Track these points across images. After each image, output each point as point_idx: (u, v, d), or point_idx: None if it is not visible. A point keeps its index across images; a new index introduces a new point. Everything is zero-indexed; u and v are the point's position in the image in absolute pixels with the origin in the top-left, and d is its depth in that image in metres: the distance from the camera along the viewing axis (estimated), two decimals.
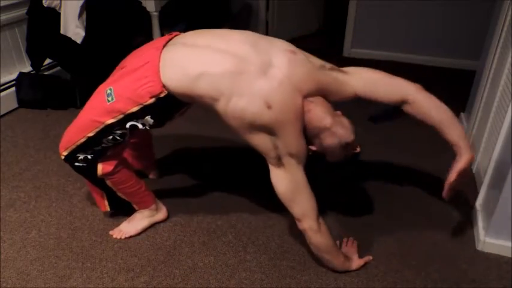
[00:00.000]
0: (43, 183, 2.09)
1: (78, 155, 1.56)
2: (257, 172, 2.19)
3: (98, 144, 1.53)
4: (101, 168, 1.58)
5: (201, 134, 2.58)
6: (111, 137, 1.51)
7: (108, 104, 1.46)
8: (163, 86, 1.40)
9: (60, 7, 2.53)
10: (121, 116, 1.46)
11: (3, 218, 1.86)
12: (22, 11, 2.75)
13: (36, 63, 2.81)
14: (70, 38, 2.58)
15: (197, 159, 2.33)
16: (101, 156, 1.57)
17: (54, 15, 2.55)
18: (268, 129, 1.38)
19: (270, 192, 2.04)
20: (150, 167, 2.11)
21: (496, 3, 2.32)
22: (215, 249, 1.70)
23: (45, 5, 2.54)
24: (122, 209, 1.81)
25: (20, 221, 1.84)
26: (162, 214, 1.84)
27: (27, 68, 2.90)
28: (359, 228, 1.82)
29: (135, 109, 1.44)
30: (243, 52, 1.40)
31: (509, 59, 1.91)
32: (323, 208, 1.95)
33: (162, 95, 1.41)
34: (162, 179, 2.14)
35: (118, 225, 1.80)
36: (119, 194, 1.69)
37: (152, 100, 1.42)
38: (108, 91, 1.47)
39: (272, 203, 1.97)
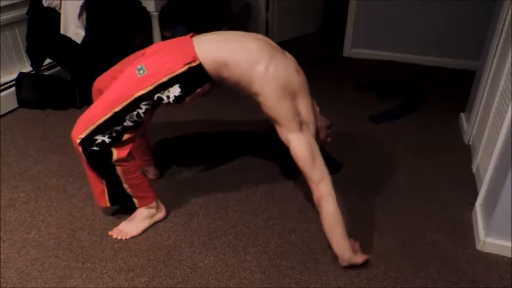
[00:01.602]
0: (43, 183, 2.09)
1: (96, 137, 1.57)
2: (257, 172, 2.20)
3: (120, 123, 1.57)
4: (116, 153, 1.61)
5: (200, 134, 2.58)
6: (135, 112, 1.57)
7: (140, 76, 1.55)
8: (196, 56, 1.56)
9: (60, 7, 2.54)
10: (151, 88, 1.55)
11: (3, 218, 1.86)
12: (22, 11, 2.75)
13: (36, 63, 2.81)
14: (70, 38, 2.58)
15: (197, 158, 2.33)
16: (118, 140, 1.59)
17: (54, 15, 2.55)
18: (295, 94, 1.60)
19: (270, 192, 2.05)
20: (149, 163, 2.11)
21: (496, 3, 2.33)
22: (215, 249, 1.70)
23: (45, 5, 2.54)
24: (122, 204, 1.81)
25: (20, 221, 1.84)
26: (161, 213, 1.84)
27: (27, 68, 2.90)
28: (359, 228, 1.82)
29: (166, 79, 1.55)
30: (267, 40, 1.70)
31: (509, 59, 1.91)
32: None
33: (193, 64, 1.55)
34: (162, 179, 2.14)
35: (118, 225, 1.80)
36: (125, 185, 1.69)
37: (185, 68, 1.55)
38: (139, 66, 1.56)
39: (272, 203, 1.97)
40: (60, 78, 2.94)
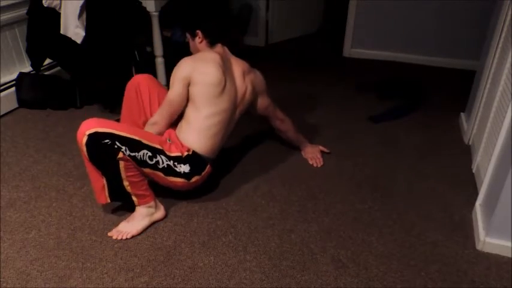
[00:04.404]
0: (43, 183, 2.09)
1: (106, 139, 1.63)
2: (257, 172, 2.20)
3: (133, 150, 1.67)
4: (121, 152, 1.66)
5: None
6: (150, 154, 1.71)
7: (168, 142, 1.82)
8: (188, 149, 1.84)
9: (60, 7, 2.53)
10: (171, 155, 1.78)
11: (3, 218, 1.86)
12: (22, 11, 2.75)
13: (36, 63, 2.81)
14: (70, 38, 2.58)
15: None
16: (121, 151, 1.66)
17: (54, 15, 2.55)
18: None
19: (270, 192, 2.04)
20: None
21: (496, 3, 2.33)
22: (215, 249, 1.70)
23: (45, 5, 2.54)
24: (121, 201, 1.82)
25: (20, 221, 1.84)
26: (160, 213, 1.84)
27: (27, 68, 2.90)
28: (359, 228, 1.82)
29: (179, 154, 1.80)
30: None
31: (509, 59, 1.91)
32: (322, 201, 1.95)
33: (189, 153, 1.83)
34: None
35: (118, 225, 1.79)
36: (125, 183, 1.71)
37: (185, 154, 1.82)
38: (168, 137, 1.86)
39: (273, 203, 1.97)
40: (60, 78, 2.94)
